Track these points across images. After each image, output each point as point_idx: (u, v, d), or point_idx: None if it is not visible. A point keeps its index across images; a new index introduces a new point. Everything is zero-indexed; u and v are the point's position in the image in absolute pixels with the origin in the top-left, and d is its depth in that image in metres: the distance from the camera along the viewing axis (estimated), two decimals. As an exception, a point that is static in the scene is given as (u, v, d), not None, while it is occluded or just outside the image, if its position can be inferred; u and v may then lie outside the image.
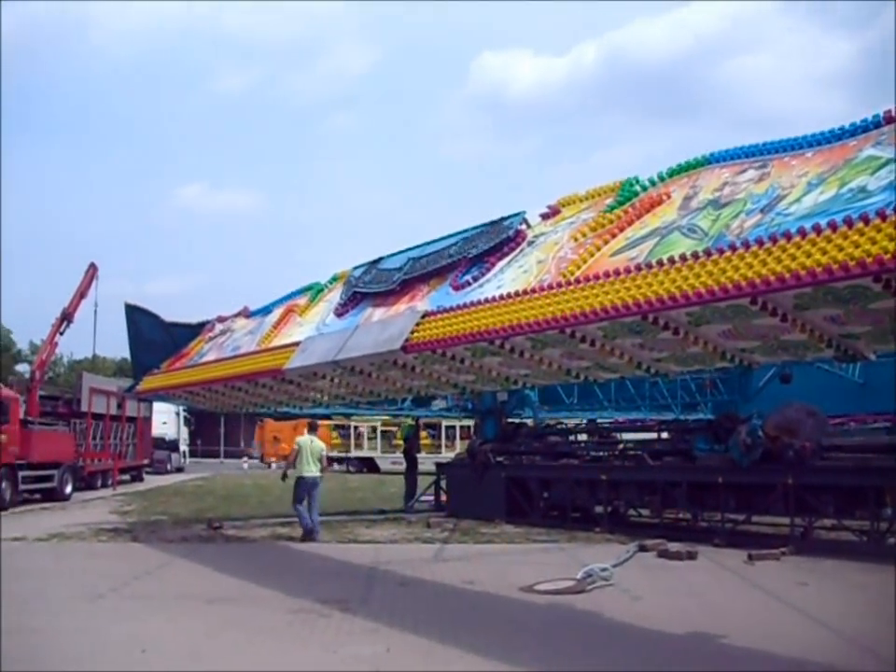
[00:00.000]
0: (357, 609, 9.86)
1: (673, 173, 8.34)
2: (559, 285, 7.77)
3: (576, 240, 8.48)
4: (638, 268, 7.01)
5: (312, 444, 17.16)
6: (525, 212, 9.87)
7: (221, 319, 17.10)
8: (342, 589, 11.16)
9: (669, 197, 8.06)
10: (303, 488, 16.90)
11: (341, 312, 11.89)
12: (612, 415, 26.58)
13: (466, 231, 10.47)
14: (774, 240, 5.93)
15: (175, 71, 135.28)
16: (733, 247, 6.26)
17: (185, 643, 8.39)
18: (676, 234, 7.25)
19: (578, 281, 7.58)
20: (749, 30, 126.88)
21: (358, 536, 17.32)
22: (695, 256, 6.52)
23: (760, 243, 6.03)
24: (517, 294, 8.19)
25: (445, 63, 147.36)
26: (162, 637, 8.61)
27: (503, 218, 9.93)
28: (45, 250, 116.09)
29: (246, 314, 16.17)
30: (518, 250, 9.37)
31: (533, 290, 8.06)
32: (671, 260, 6.69)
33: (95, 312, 34.91)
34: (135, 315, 18.46)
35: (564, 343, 8.29)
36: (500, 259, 9.44)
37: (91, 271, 31.92)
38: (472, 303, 8.76)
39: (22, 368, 68.62)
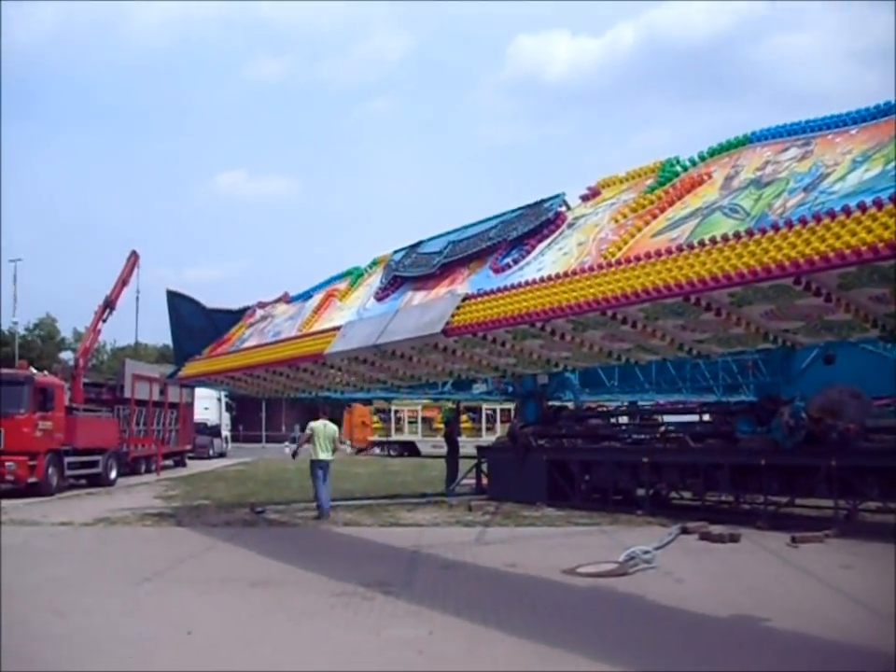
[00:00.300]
0: (400, 592, 9.92)
1: (714, 152, 8.25)
2: (600, 266, 7.74)
3: (616, 221, 8.42)
4: (680, 249, 6.96)
5: (325, 429, 17.73)
6: (564, 194, 9.80)
7: (262, 305, 17.17)
8: (384, 572, 11.22)
9: (710, 177, 7.98)
10: (317, 469, 17.49)
11: (381, 296, 11.89)
12: (653, 398, 26.46)
13: (505, 213, 10.41)
14: (818, 219, 5.86)
15: (212, 59, 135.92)
16: (775, 227, 6.19)
17: (229, 625, 8.48)
18: (717, 214, 7.18)
19: (619, 262, 7.53)
20: (788, 7, 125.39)
21: (400, 519, 17.41)
22: (737, 236, 6.46)
23: (803, 222, 5.96)
24: (558, 276, 8.15)
25: (481, 46, 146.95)
26: (207, 619, 8.71)
27: (543, 201, 9.86)
28: (87, 238, 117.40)
29: (287, 299, 16.22)
30: (558, 232, 9.32)
31: (574, 272, 8.01)
32: (713, 241, 6.63)
33: (137, 299, 35.29)
34: (177, 302, 18.57)
35: (605, 324, 8.26)
36: (540, 241, 9.39)
37: (133, 258, 32.16)
38: (513, 286, 8.74)
39: (66, 355, 69.29)
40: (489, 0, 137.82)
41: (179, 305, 18.50)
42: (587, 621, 8.85)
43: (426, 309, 10.21)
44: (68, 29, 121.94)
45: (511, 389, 26.42)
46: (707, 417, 21.08)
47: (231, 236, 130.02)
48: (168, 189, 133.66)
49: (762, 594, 10.12)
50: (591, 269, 7.83)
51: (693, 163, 8.39)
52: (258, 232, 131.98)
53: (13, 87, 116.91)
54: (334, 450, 18.03)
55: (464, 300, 9.43)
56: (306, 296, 15.13)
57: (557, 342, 9.18)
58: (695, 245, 6.81)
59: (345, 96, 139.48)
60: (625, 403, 26.74)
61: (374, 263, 13.39)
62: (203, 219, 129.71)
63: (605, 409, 25.39)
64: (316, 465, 17.44)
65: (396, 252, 12.45)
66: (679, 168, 8.49)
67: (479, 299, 9.21)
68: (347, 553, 13.62)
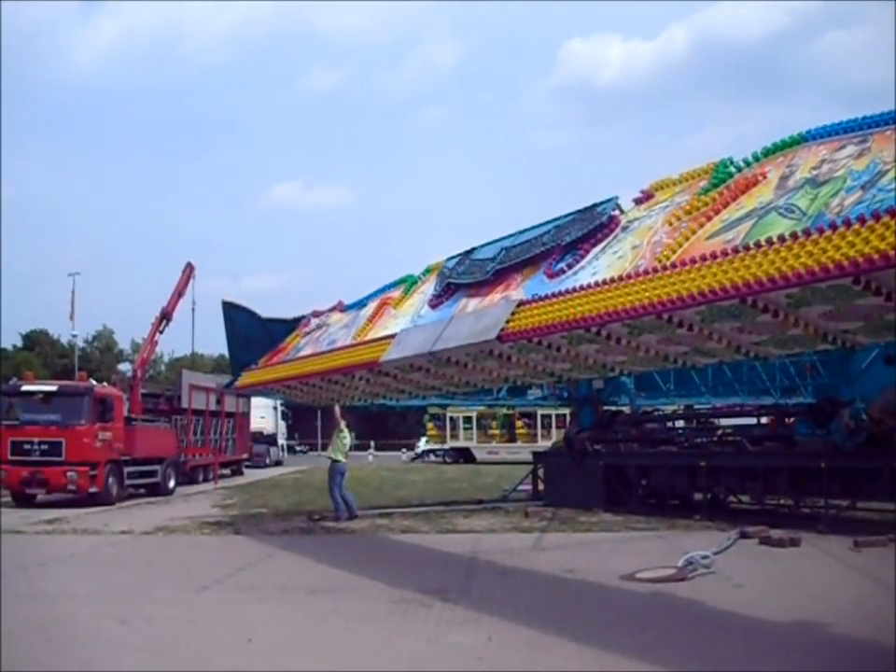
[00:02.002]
0: (458, 599, 9.92)
1: (768, 152, 8.14)
2: (655, 270, 7.69)
3: (671, 224, 8.35)
4: (736, 250, 6.90)
5: (348, 436, 19.19)
6: (617, 197, 9.74)
7: (317, 314, 17.23)
8: (442, 578, 11.23)
9: (765, 177, 7.88)
10: (337, 474, 18.63)
11: (435, 303, 11.90)
12: (710, 401, 26.22)
13: (558, 218, 10.37)
14: (876, 217, 5.78)
15: (267, 71, 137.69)
16: (833, 226, 6.12)
17: (289, 633, 8.55)
18: (773, 215, 7.10)
19: (674, 265, 7.49)
20: (841, 3, 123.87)
21: (457, 526, 17.40)
22: (794, 236, 6.39)
23: (861, 220, 5.88)
24: (613, 280, 8.12)
25: (533, 52, 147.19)
26: (267, 626, 8.76)
27: (596, 205, 9.81)
28: (145, 251, 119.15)
29: (341, 308, 16.26)
30: (612, 236, 9.26)
31: (629, 276, 7.98)
32: (769, 242, 6.57)
33: (193, 310, 35.66)
34: (232, 312, 18.70)
35: (661, 328, 8.20)
36: (594, 245, 9.34)
37: (188, 270, 32.44)
38: (568, 291, 8.71)
39: (125, 367, 70.45)
40: (539, 6, 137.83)
41: (235, 316, 18.64)
42: (646, 627, 8.78)
43: (480, 315, 10.20)
44: (129, 46, 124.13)
45: (566, 394, 26.33)
46: (764, 420, 20.86)
47: (287, 246, 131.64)
48: (226, 201, 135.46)
49: (823, 599, 9.99)
50: (646, 272, 7.79)
51: (748, 164, 8.29)
52: (313, 242, 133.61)
53: (75, 103, 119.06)
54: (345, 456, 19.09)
55: (518, 305, 9.41)
56: (360, 304, 15.16)
57: (613, 346, 9.12)
58: (751, 246, 6.75)
59: (398, 106, 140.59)
60: (682, 407, 26.52)
61: (428, 271, 13.40)
62: (260, 230, 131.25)
63: (661, 413, 25.21)
64: (337, 467, 18.44)
65: (449, 259, 12.45)
66: (732, 169, 8.39)
67: (533, 304, 9.19)
68: (405, 560, 13.66)
